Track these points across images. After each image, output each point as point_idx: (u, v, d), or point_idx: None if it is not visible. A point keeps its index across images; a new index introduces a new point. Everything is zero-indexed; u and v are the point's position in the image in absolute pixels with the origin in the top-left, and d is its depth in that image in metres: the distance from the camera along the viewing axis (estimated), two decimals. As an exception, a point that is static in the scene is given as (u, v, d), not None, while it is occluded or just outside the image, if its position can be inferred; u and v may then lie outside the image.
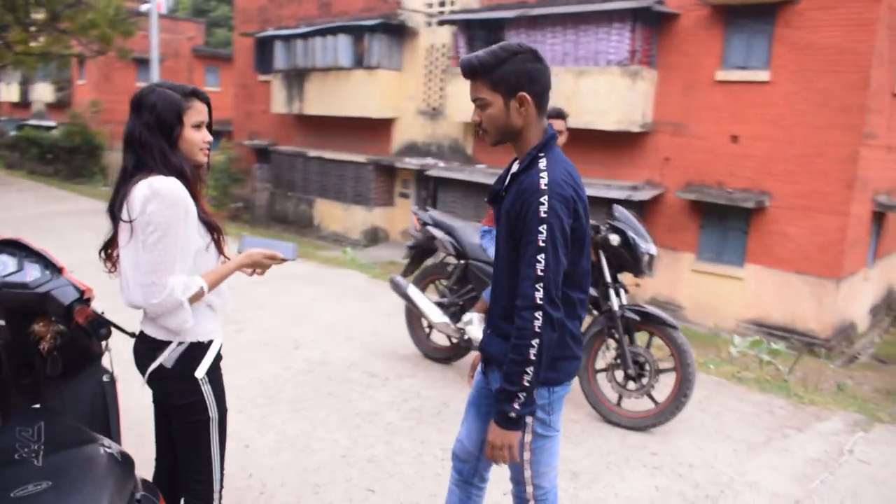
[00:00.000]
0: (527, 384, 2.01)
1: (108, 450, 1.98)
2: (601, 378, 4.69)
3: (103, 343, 2.38)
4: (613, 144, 13.89)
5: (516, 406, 2.03)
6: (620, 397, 4.57)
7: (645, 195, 13.30)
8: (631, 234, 4.46)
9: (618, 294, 4.50)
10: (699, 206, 13.29)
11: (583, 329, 3.86)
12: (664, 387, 4.52)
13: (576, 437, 4.31)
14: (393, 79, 17.76)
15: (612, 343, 4.61)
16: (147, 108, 2.17)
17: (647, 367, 4.48)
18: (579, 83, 13.57)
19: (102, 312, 2.25)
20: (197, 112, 2.21)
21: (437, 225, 5.21)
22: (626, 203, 13.41)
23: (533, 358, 1.99)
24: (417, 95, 17.54)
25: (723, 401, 5.09)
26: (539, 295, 1.99)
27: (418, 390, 4.86)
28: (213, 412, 2.28)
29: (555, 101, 13.85)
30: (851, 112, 11.44)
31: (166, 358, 2.22)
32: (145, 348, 2.24)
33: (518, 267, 2.06)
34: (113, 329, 2.28)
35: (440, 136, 17.20)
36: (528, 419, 2.20)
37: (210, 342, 2.28)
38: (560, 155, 2.15)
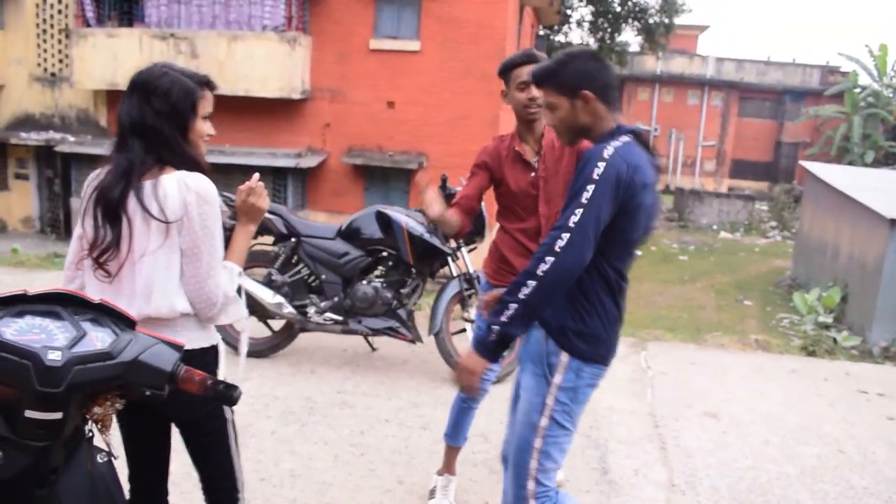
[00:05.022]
0: (522, 297, 1.99)
1: None
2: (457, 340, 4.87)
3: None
4: (274, 112, 13.67)
5: (503, 319, 2.02)
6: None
7: (311, 162, 13.42)
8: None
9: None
10: (362, 169, 13.86)
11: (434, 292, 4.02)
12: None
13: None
14: (-14, 38, 14.84)
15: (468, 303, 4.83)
16: (160, 94, 1.95)
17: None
18: (234, 48, 12.99)
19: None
20: (207, 102, 2.06)
21: None
22: (293, 171, 13.41)
23: (541, 274, 1.97)
24: (29, 59, 14.97)
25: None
26: (575, 219, 1.99)
27: (270, 392, 4.45)
28: (229, 412, 2.11)
29: (207, 66, 13.11)
30: (490, 80, 12.92)
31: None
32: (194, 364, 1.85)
33: None
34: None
35: (64, 107, 14.96)
36: (549, 400, 2.19)
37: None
38: (636, 146, 2.15)
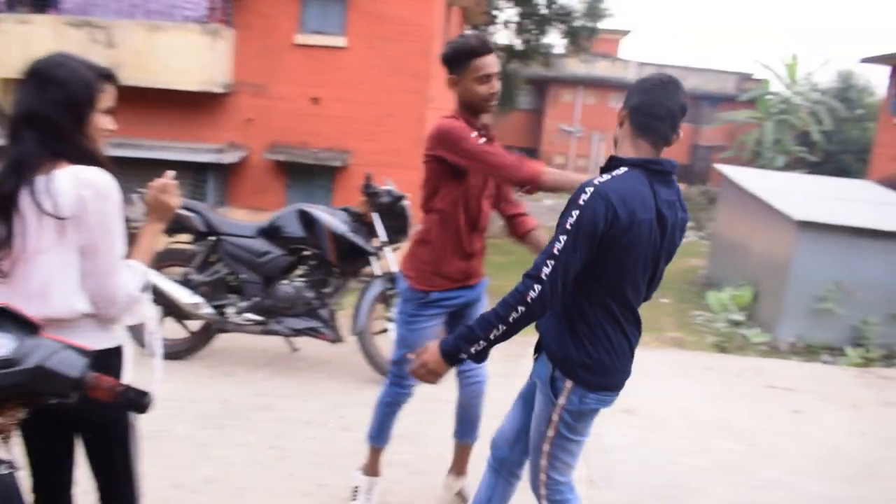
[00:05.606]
0: (491, 338, 2.11)
1: None
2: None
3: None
4: (194, 105, 13.27)
5: (471, 350, 2.13)
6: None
7: (232, 157, 13.11)
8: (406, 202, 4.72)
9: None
10: (285, 166, 13.63)
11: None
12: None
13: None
14: None
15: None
16: (57, 84, 1.87)
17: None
18: (153, 39, 12.56)
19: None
20: (108, 95, 1.97)
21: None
22: (213, 166, 13.09)
23: (511, 321, 2.08)
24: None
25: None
26: (546, 270, 2.06)
27: (187, 395, 4.32)
28: (132, 416, 2.08)
29: (124, 57, 12.60)
30: (418, 78, 12.94)
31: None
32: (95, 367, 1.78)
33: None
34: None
35: (-34, 95, 14.19)
36: (555, 417, 2.26)
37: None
38: (640, 178, 2.15)
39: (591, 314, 2.19)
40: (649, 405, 4.74)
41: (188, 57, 12.64)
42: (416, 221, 5.14)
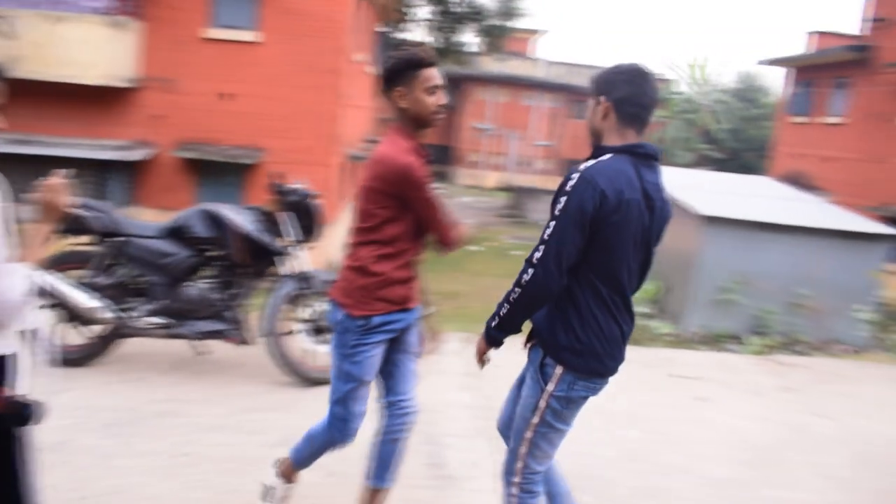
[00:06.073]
0: (501, 314, 2.33)
1: None
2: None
3: None
4: (99, 100, 12.74)
5: (492, 324, 2.37)
6: (308, 354, 4.70)
7: (139, 155, 12.66)
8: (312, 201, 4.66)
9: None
10: (196, 164, 13.25)
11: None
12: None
13: (287, 404, 4.34)
14: None
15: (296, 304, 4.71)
16: None
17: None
18: (56, 30, 11.99)
19: None
20: None
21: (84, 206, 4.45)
22: (118, 164, 12.62)
23: (512, 301, 2.27)
24: None
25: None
26: (538, 255, 2.19)
27: (90, 403, 4.14)
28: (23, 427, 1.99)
29: (25, 48, 12.03)
30: (331, 74, 12.81)
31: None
32: None
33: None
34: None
35: None
36: (542, 403, 2.35)
37: None
38: (625, 162, 2.23)
39: (582, 299, 2.26)
40: (561, 398, 4.83)
41: (92, 50, 12.17)
42: (325, 221, 5.12)
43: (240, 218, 4.51)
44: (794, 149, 23.18)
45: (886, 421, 5.16)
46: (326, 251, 13.54)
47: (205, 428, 3.94)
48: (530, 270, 2.20)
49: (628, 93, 2.26)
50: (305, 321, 4.66)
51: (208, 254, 4.64)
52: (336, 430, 2.83)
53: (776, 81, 32.58)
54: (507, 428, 2.62)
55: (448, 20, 22.40)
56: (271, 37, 12.68)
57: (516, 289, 2.25)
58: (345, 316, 2.70)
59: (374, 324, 2.69)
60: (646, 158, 2.28)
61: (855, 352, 8.49)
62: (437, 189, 2.66)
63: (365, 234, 2.68)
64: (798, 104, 23.48)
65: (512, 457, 2.47)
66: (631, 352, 6.35)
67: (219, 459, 3.60)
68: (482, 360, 2.50)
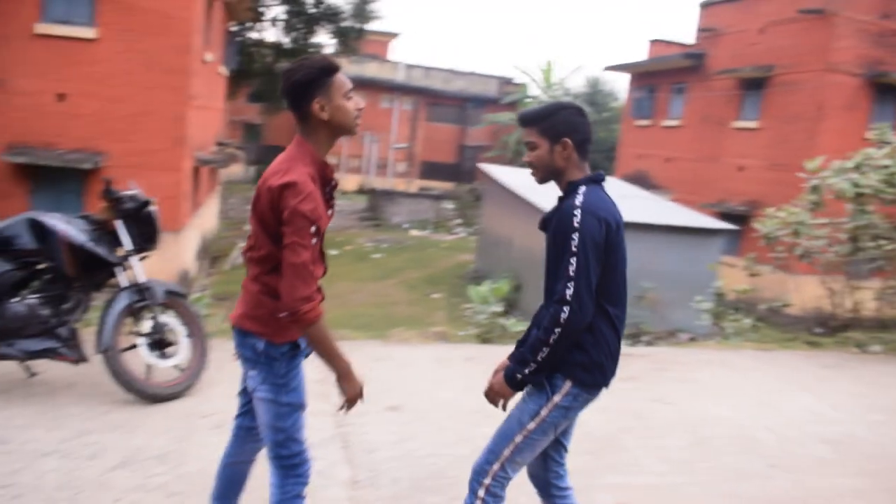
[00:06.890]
0: (539, 359, 2.43)
1: None
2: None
3: None
4: (-90, 100, 11.62)
5: (525, 371, 2.47)
6: (149, 370, 4.49)
7: (-40, 160, 11.65)
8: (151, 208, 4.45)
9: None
10: (28, 169, 12.31)
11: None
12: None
13: (128, 423, 4.12)
14: None
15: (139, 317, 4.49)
16: None
17: (174, 337, 4.56)
18: None
19: None
20: None
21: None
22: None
23: (552, 342, 2.39)
24: None
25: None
26: (569, 292, 2.36)
27: None
28: None
29: None
30: (177, 74, 12.27)
31: None
32: None
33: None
34: None
35: None
36: (544, 412, 2.51)
37: None
38: (601, 191, 2.52)
39: (595, 320, 2.44)
40: (414, 400, 4.88)
41: None
42: (164, 228, 4.89)
43: (69, 227, 4.23)
44: (637, 150, 24.61)
45: (722, 404, 5.54)
46: (181, 260, 12.96)
47: (34, 455, 3.66)
48: (566, 308, 2.36)
49: (585, 133, 2.54)
50: (145, 335, 4.43)
51: (35, 267, 4.32)
52: (293, 479, 2.56)
53: (622, 86, 34.41)
54: (532, 467, 2.79)
55: (302, 20, 22.07)
56: (110, 33, 11.99)
57: (555, 329, 2.37)
58: (267, 345, 2.48)
59: (298, 347, 2.55)
60: (601, 184, 2.56)
61: (692, 339, 9.09)
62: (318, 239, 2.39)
63: (272, 261, 2.45)
64: (641, 108, 24.93)
65: (491, 457, 2.58)
66: (482, 350, 6.54)
67: (49, 488, 3.36)
68: (504, 405, 2.63)
